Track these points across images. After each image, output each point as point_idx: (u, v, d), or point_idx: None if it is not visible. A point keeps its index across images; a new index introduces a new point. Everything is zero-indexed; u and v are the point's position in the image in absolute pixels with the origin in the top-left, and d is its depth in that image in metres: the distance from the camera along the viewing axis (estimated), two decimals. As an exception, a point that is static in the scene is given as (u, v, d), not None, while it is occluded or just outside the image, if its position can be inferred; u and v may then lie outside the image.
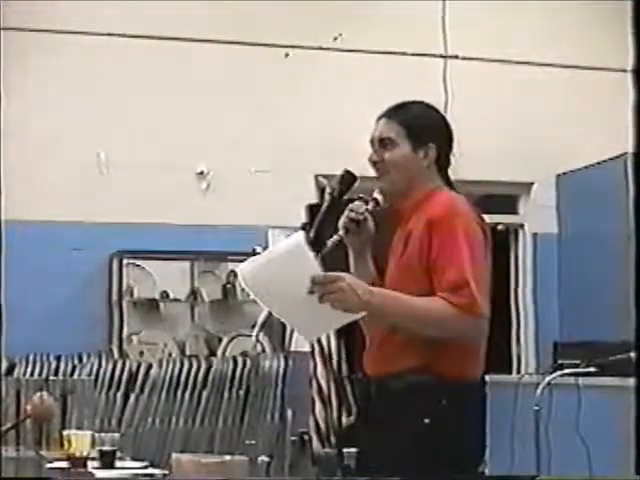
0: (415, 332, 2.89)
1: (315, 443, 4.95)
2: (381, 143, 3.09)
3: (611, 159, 7.42)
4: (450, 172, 3.17)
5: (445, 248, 2.89)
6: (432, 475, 2.86)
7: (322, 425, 5.13)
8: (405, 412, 2.91)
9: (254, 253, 7.47)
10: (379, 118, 3.13)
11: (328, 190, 3.09)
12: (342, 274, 2.85)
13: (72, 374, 6.62)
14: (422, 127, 3.08)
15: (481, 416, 3.03)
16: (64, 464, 3.49)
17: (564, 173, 8.11)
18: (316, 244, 2.89)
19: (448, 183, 3.13)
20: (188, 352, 7.32)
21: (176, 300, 7.50)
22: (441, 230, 2.91)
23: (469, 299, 2.83)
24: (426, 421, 2.88)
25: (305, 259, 2.81)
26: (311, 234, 2.97)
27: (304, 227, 3.17)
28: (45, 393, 3.76)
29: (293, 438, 4.70)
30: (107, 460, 3.48)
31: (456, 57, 8.01)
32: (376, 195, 3.08)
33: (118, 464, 3.53)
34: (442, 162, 3.11)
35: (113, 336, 7.18)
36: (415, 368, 2.92)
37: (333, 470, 2.81)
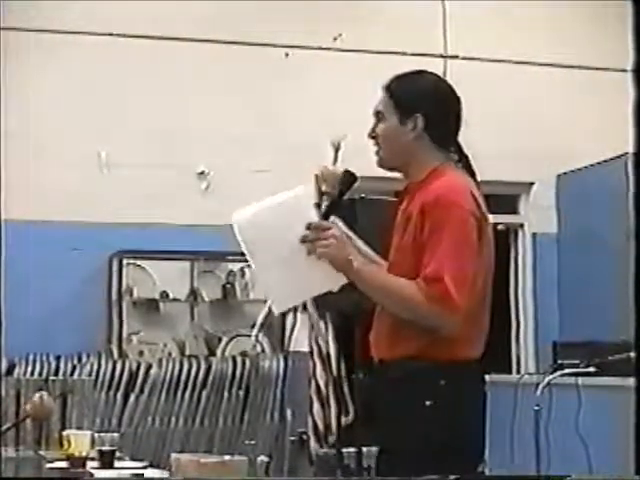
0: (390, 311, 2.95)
1: (313, 443, 4.95)
2: (376, 117, 3.11)
3: (611, 159, 7.42)
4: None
5: (430, 238, 2.89)
6: (436, 456, 2.86)
7: (320, 425, 5.12)
8: (407, 394, 2.93)
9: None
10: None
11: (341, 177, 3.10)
12: (337, 226, 2.94)
13: (72, 374, 6.62)
14: (409, 98, 3.07)
15: (481, 396, 3.03)
16: (64, 464, 3.49)
17: (564, 173, 8.11)
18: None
19: (460, 152, 3.11)
20: (188, 352, 7.31)
21: (176, 300, 7.50)
22: (431, 218, 2.90)
23: (441, 293, 2.83)
24: (427, 403, 2.89)
25: (304, 209, 2.91)
26: (336, 193, 3.02)
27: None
28: (45, 393, 3.76)
29: (292, 438, 4.70)
30: (106, 460, 3.48)
31: (456, 57, 8.01)
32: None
33: (117, 464, 3.53)
34: (437, 133, 3.06)
35: (113, 336, 7.17)
36: (411, 353, 2.93)
37: (332, 470, 2.81)
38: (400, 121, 3.05)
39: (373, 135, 3.11)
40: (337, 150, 3.17)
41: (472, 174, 3.10)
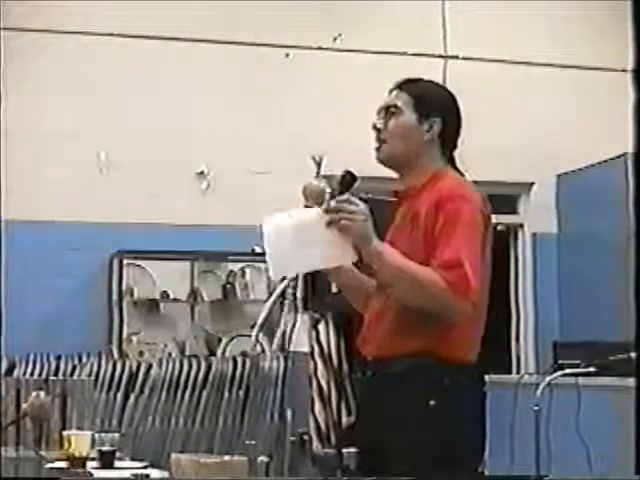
0: (404, 298, 2.92)
1: (315, 443, 4.95)
2: (387, 111, 3.09)
3: (611, 159, 7.42)
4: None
5: (445, 228, 2.90)
6: (437, 456, 2.87)
7: (322, 425, 5.13)
8: (410, 394, 2.93)
9: (254, 253, 7.50)
10: (390, 91, 3.14)
11: (328, 190, 3.09)
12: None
13: (72, 374, 6.62)
14: (430, 100, 3.08)
15: (482, 399, 3.04)
16: (64, 464, 3.49)
17: (564, 173, 8.11)
18: None
19: (453, 166, 3.12)
20: (188, 352, 7.31)
21: (176, 300, 7.50)
22: (445, 211, 2.91)
23: (461, 278, 2.83)
24: (431, 402, 2.89)
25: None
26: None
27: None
28: (42, 392, 3.77)
29: (293, 438, 4.68)
30: (107, 460, 3.48)
31: (456, 57, 8.01)
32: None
33: (118, 464, 3.53)
34: (446, 141, 3.09)
35: (113, 336, 7.18)
36: (415, 352, 2.92)
37: (333, 470, 2.82)
38: (418, 120, 3.05)
39: (379, 128, 3.08)
40: (319, 165, 3.16)
41: None
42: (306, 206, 3.09)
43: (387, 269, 2.93)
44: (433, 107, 3.06)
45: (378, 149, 3.10)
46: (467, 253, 2.86)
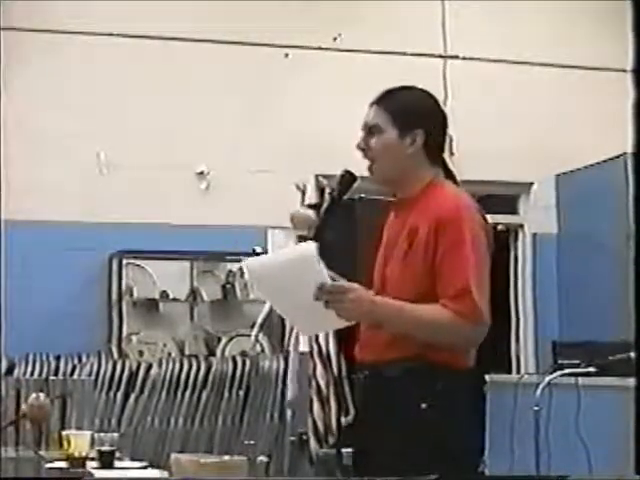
0: (418, 338, 2.91)
1: (313, 443, 4.94)
2: (369, 130, 3.07)
3: (611, 159, 7.42)
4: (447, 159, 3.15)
5: (451, 253, 2.88)
6: (433, 461, 2.86)
7: (320, 425, 5.12)
8: (403, 398, 2.92)
9: (254, 253, 7.49)
10: (370, 105, 3.11)
11: (328, 190, 3.08)
12: (353, 285, 2.86)
13: (72, 374, 6.62)
14: (409, 113, 3.04)
15: (480, 404, 3.04)
16: (63, 464, 3.49)
17: (564, 173, 8.11)
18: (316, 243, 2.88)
19: (446, 170, 3.11)
20: (187, 352, 7.31)
21: (176, 300, 7.50)
22: (447, 234, 2.89)
23: (471, 307, 2.83)
24: (423, 406, 2.89)
25: (314, 267, 2.80)
26: (311, 234, 2.97)
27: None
28: (41, 394, 3.76)
29: (292, 438, 4.69)
30: (106, 460, 3.48)
31: (456, 57, 8.02)
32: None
33: (117, 464, 3.53)
34: (433, 148, 3.06)
35: (113, 336, 7.18)
36: (409, 357, 2.92)
37: (332, 470, 2.82)
38: (399, 135, 3.04)
39: (363, 148, 3.07)
40: (303, 192, 3.16)
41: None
42: (299, 236, 3.08)
43: (392, 329, 2.93)
44: (413, 120, 3.03)
45: (370, 169, 3.07)
46: (474, 278, 2.85)
